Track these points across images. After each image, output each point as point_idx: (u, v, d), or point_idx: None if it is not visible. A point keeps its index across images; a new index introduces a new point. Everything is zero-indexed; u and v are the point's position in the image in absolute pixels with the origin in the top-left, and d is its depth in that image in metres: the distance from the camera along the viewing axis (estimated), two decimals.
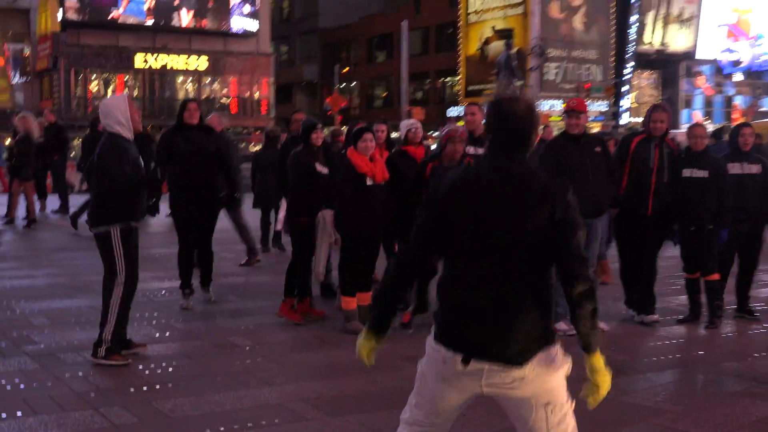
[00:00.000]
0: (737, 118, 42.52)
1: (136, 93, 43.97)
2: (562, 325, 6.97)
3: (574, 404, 3.41)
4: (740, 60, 49.23)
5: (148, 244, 14.06)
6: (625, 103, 46.69)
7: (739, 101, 50.80)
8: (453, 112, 49.83)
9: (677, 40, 48.63)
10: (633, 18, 46.82)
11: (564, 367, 3.35)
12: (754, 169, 8.04)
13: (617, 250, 8.56)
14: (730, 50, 49.09)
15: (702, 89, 50.54)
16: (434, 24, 53.66)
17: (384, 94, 61.41)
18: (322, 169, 8.27)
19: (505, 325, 3.28)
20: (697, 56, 48.67)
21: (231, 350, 7.28)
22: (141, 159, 6.77)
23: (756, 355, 7.33)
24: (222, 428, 5.30)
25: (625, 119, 45.35)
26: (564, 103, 43.47)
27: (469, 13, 50.34)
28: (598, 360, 3.26)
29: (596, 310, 3.25)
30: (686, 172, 7.84)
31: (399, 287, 3.61)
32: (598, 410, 3.45)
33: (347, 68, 56.70)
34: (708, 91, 50.55)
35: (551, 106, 40.01)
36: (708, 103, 50.38)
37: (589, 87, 42.13)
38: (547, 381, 3.31)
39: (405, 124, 8.97)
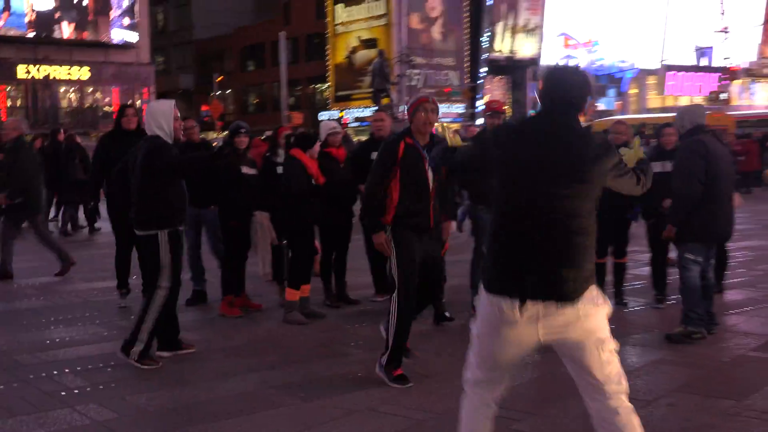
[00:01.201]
0: None
1: (19, 103, 42.08)
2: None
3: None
4: (578, 65, 50.91)
5: (88, 246, 13.68)
6: (480, 105, 47.73)
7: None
8: (324, 115, 49.91)
9: (524, 47, 50.03)
10: (485, 28, 47.92)
11: (605, 307, 3.48)
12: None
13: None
14: (569, 56, 50.75)
15: None
16: (303, 34, 53.52)
17: (256, 101, 61.03)
18: (249, 171, 8.20)
19: (560, 265, 3.37)
20: (542, 62, 50.15)
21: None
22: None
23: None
24: (203, 419, 5.19)
25: (480, 120, 46.33)
26: None
27: (336, 24, 50.54)
28: None
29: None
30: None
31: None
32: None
33: (221, 77, 55.91)
34: None
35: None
36: None
37: (449, 91, 42.88)
38: (595, 319, 3.43)
39: (326, 126, 8.90)
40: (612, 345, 3.49)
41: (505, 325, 3.44)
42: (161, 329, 6.42)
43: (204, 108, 44.98)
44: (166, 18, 64.32)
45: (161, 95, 51.88)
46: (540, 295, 3.36)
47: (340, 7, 50.41)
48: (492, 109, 7.99)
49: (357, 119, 48.46)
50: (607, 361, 3.45)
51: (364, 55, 48.93)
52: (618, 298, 8.07)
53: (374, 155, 7.43)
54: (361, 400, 5.48)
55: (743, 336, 7.00)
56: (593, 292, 3.44)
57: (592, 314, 3.41)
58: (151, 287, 6.32)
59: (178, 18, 63.31)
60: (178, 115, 6.45)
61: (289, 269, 7.87)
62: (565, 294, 3.35)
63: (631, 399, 3.58)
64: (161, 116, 6.30)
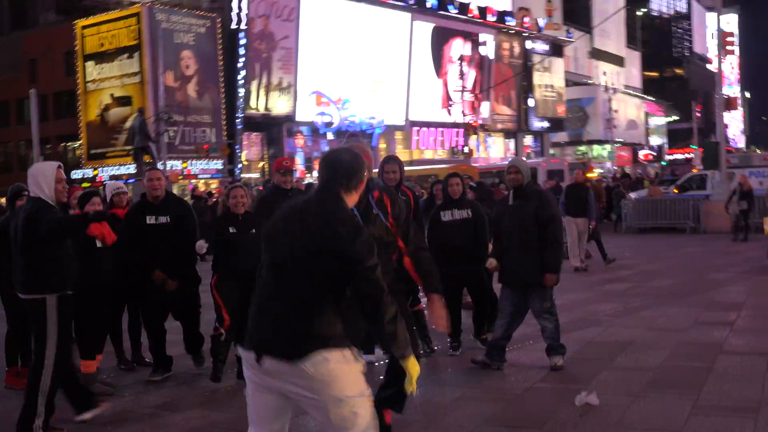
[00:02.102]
0: None
1: None
2: None
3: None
4: (332, 121, 52.43)
5: None
6: (241, 161, 47.88)
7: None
8: (77, 174, 47.79)
9: (278, 105, 50.69)
10: (240, 87, 48.15)
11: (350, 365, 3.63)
12: (464, 214, 8.27)
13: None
14: (323, 113, 52.12)
15: (300, 147, 53.08)
16: (51, 92, 50.99)
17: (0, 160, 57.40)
18: None
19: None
20: (297, 118, 51.12)
21: None
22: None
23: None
24: None
25: (239, 175, 46.35)
26: (184, 163, 43.80)
27: (87, 82, 48.70)
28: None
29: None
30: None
31: None
32: None
33: None
34: (306, 149, 53.18)
35: (172, 166, 39.99)
36: (308, 159, 52.99)
37: (207, 147, 42.55)
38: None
39: (111, 187, 8.63)
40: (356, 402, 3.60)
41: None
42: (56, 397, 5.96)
43: None
44: None
45: None
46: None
47: (90, 64, 48.65)
48: (283, 167, 8.10)
49: (112, 177, 46.80)
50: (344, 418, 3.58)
51: (117, 112, 47.47)
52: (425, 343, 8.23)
53: (150, 219, 7.54)
54: None
55: (528, 369, 7.53)
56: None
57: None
58: (38, 359, 5.83)
59: None
60: (63, 177, 6.10)
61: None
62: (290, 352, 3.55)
63: None
64: (42, 178, 5.97)
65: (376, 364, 7.28)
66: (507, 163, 8.03)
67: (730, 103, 26.24)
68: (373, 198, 4.77)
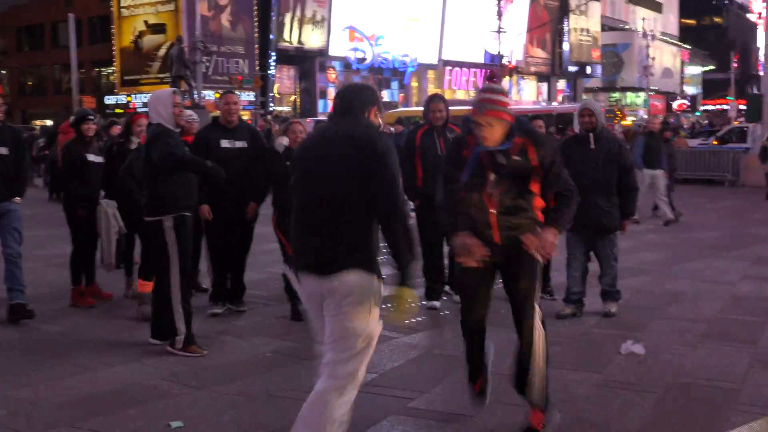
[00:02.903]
0: None
1: None
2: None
3: None
4: (365, 57, 52.09)
5: None
6: (272, 93, 47.77)
7: None
8: (110, 100, 47.96)
9: (312, 38, 50.36)
10: (273, 18, 47.80)
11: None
12: None
13: (420, 242, 7.58)
14: (356, 49, 51.76)
15: (332, 82, 52.82)
16: (86, 17, 50.84)
17: (32, 83, 57.58)
18: (95, 159, 7.92)
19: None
20: (330, 53, 50.78)
21: (50, 338, 6.80)
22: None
23: None
24: (95, 411, 5.01)
25: (271, 107, 46.31)
26: (217, 93, 43.68)
27: (121, 8, 48.57)
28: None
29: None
30: None
31: None
32: None
33: None
34: (337, 84, 52.91)
35: (206, 96, 39.95)
36: None
37: (241, 79, 42.42)
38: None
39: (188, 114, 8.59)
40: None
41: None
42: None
43: None
44: None
45: None
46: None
47: None
48: None
49: (145, 104, 46.87)
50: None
51: (151, 39, 47.40)
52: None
53: (224, 142, 7.32)
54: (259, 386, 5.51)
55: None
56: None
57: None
58: (164, 277, 6.18)
59: None
60: (179, 101, 6.28)
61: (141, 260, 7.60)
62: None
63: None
64: (160, 105, 6.19)
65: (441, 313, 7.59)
66: (580, 105, 7.77)
67: None
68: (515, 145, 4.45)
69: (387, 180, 3.72)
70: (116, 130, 9.16)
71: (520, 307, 4.57)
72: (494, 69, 48.95)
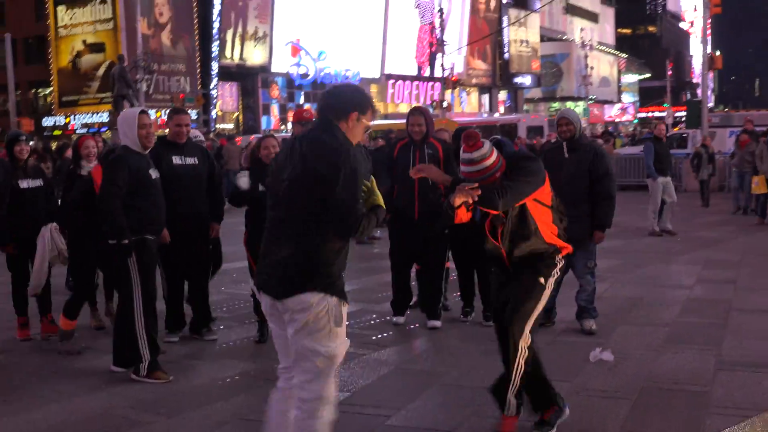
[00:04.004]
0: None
1: None
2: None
3: None
4: (308, 72, 52.02)
5: None
6: (214, 111, 47.43)
7: (309, 107, 53.67)
8: (48, 121, 47.08)
9: (254, 55, 50.12)
10: (214, 35, 47.51)
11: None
12: None
13: (390, 257, 7.85)
14: (298, 64, 51.67)
15: (275, 98, 52.64)
16: (21, 37, 49.86)
17: None
18: (31, 184, 7.36)
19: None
20: (272, 69, 50.62)
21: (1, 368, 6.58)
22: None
23: None
24: None
25: (213, 125, 45.96)
26: (158, 111, 43.16)
27: (58, 27, 47.77)
28: None
29: None
30: None
31: None
32: None
33: None
34: (281, 100, 52.75)
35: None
36: (283, 110, 52.59)
37: (183, 97, 41.97)
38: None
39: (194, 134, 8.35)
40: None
41: None
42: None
43: None
44: None
45: None
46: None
47: (61, 9, 47.69)
48: (303, 118, 8.02)
49: (84, 125, 46.13)
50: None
51: (90, 59, 46.69)
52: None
53: (176, 159, 6.98)
54: (228, 410, 5.41)
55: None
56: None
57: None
58: (126, 299, 6.06)
59: None
60: (147, 122, 6.11)
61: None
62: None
63: None
64: (126, 126, 6.09)
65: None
66: (558, 114, 7.61)
67: (714, 62, 26.31)
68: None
69: (340, 199, 3.52)
70: (70, 153, 8.87)
71: (506, 318, 4.62)
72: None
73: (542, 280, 4.62)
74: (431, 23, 52.33)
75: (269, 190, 3.90)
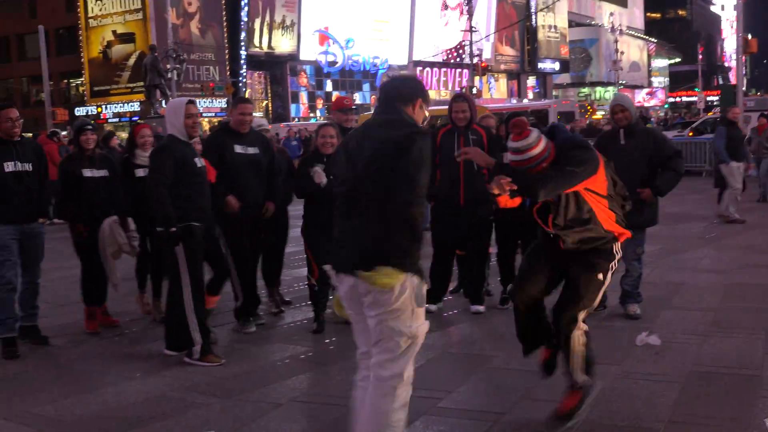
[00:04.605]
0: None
1: None
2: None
3: None
4: (336, 60, 52.13)
5: None
6: None
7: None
8: (81, 111, 47.57)
9: (282, 43, 50.36)
10: (242, 24, 47.73)
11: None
12: None
13: (432, 244, 7.78)
14: (326, 52, 51.78)
15: (304, 86, 52.82)
16: (52, 28, 50.39)
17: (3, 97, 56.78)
18: (96, 173, 7.33)
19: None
20: (301, 57, 50.78)
21: (60, 352, 6.77)
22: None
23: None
24: (126, 425, 4.99)
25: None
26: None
27: (88, 18, 48.24)
28: None
29: None
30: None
31: None
32: None
33: None
34: (309, 88, 52.94)
35: None
36: (311, 98, 52.75)
37: (213, 86, 42.29)
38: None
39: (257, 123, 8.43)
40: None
41: None
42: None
43: None
44: None
45: None
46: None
47: (91, 0, 48.16)
48: (344, 105, 8.09)
49: (116, 114, 46.60)
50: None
51: (120, 49, 47.20)
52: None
53: (237, 147, 7.02)
54: (282, 393, 5.51)
55: None
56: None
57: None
58: (175, 285, 6.18)
59: None
60: (194, 112, 6.27)
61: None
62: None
63: None
64: (172, 115, 6.25)
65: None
66: (611, 101, 7.48)
67: (749, 45, 26.01)
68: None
69: (405, 177, 3.63)
70: (116, 141, 8.96)
71: (560, 310, 4.70)
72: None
73: (601, 276, 4.65)
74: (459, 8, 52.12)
75: (340, 174, 4.00)
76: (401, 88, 3.92)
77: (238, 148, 7.05)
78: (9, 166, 6.59)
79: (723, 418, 4.78)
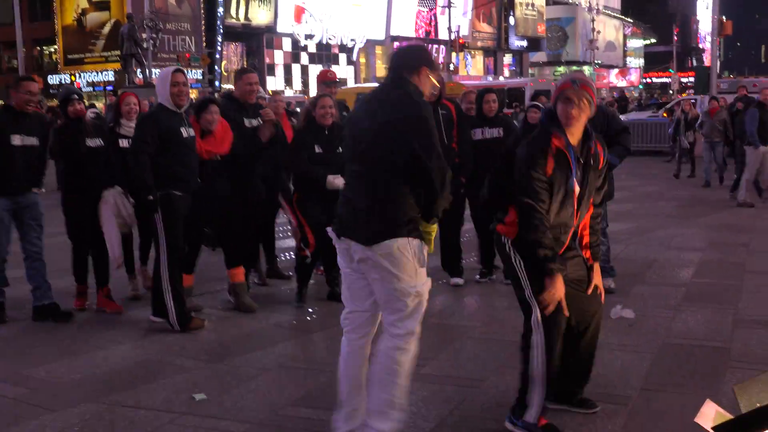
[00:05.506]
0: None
1: None
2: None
3: None
4: (312, 33, 51.86)
5: None
6: (217, 72, 47.37)
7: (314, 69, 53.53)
8: (54, 79, 47.01)
9: (259, 15, 49.95)
10: None
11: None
12: (496, 132, 7.99)
13: None
14: (303, 25, 51.49)
15: (281, 59, 52.52)
16: None
17: None
18: (94, 144, 7.03)
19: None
20: (278, 29, 50.46)
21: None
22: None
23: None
24: (119, 388, 5.13)
25: (218, 85, 45.95)
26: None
27: None
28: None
29: None
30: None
31: None
32: None
33: None
34: (286, 59, 52.67)
35: (154, 75, 39.44)
36: (287, 70, 52.50)
37: (189, 57, 41.98)
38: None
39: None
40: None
41: None
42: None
43: None
44: None
45: None
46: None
47: None
48: (328, 78, 8.20)
49: (90, 83, 46.14)
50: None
51: (95, 17, 46.57)
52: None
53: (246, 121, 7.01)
54: (270, 358, 5.67)
55: None
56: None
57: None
58: (157, 252, 6.29)
59: None
60: (180, 80, 6.28)
61: None
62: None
63: None
64: (159, 84, 6.31)
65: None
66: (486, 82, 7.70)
67: (723, 27, 26.29)
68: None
69: (422, 145, 3.77)
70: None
71: (586, 325, 4.57)
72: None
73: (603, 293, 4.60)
74: None
75: (345, 142, 4.15)
76: (407, 57, 4.00)
77: (246, 123, 7.06)
78: (16, 139, 6.60)
79: (693, 387, 4.99)
